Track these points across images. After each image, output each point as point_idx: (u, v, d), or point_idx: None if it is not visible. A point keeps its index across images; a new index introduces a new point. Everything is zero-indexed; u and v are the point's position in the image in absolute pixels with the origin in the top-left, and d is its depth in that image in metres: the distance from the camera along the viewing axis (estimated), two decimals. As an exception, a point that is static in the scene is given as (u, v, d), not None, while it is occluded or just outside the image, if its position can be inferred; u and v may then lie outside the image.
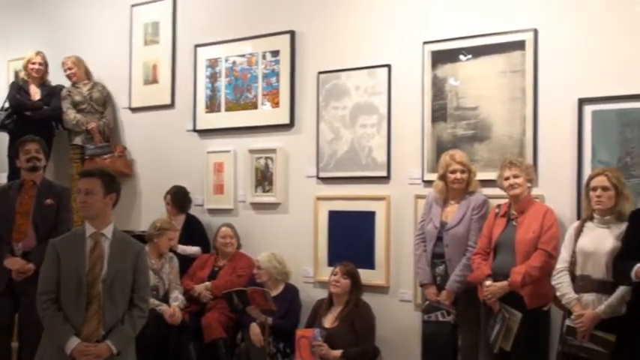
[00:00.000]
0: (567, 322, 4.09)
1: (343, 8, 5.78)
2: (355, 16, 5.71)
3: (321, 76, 5.83)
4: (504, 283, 4.39)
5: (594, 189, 4.12)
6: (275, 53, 6.08)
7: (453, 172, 4.79)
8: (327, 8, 5.85)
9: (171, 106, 6.74)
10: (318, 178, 5.84)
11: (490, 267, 4.51)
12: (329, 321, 5.12)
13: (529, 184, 4.58)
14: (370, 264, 5.49)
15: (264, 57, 6.15)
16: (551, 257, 4.32)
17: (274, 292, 5.41)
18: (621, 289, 3.93)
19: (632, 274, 3.68)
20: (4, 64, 7.96)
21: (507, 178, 4.53)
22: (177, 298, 5.60)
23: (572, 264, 4.17)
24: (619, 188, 4.09)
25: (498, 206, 4.68)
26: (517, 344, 4.32)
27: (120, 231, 4.03)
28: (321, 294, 5.49)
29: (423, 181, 5.31)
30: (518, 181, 4.50)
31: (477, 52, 5.13)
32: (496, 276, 4.46)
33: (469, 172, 4.83)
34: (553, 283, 4.20)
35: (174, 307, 5.49)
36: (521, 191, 4.52)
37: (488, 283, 4.47)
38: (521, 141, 4.94)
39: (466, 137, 5.15)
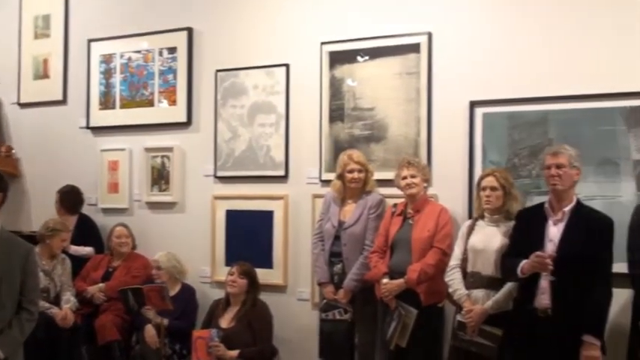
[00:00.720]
0: (458, 317, 4.20)
1: (242, 6, 5.74)
2: (254, 14, 5.69)
3: (220, 74, 5.78)
4: (401, 280, 4.46)
5: (484, 189, 4.26)
6: (172, 50, 5.98)
7: (351, 171, 4.85)
8: (226, 6, 5.80)
9: (63, 102, 6.52)
10: (216, 177, 5.79)
11: (387, 265, 4.58)
12: (226, 321, 5.07)
13: (425, 184, 4.69)
14: (268, 263, 5.48)
15: (160, 54, 6.04)
16: (446, 255, 4.42)
17: (171, 293, 5.31)
18: (508, 286, 4.06)
19: (518, 271, 3.81)
20: None
21: (405, 178, 4.61)
22: (68, 300, 5.41)
23: (464, 261, 4.28)
24: (507, 188, 4.23)
25: (395, 205, 4.76)
26: (413, 340, 4.39)
27: (7, 231, 3.87)
28: (218, 294, 5.44)
29: (321, 180, 5.35)
30: (415, 180, 4.59)
31: (374, 53, 5.21)
32: (393, 274, 4.53)
33: (366, 171, 4.89)
34: (446, 279, 4.30)
35: (65, 310, 5.29)
36: (418, 191, 4.61)
37: (385, 281, 4.53)
38: (416, 141, 5.05)
39: (363, 137, 5.22)
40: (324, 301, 4.88)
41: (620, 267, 3.98)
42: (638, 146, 4.44)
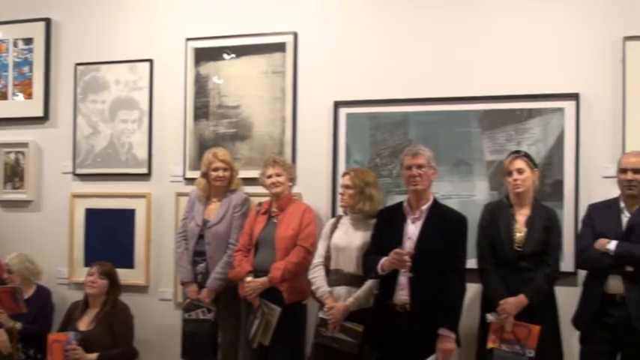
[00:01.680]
0: (320, 314, 4.24)
1: (104, -2, 5.58)
2: (117, 7, 5.52)
3: (79, 67, 5.57)
4: (264, 279, 4.46)
5: (341, 187, 4.37)
6: (28, 41, 5.70)
7: (216, 169, 4.80)
8: (87, -3, 5.61)
9: None
10: (75, 174, 5.57)
11: (251, 264, 4.57)
12: (84, 324, 4.88)
13: (290, 183, 4.71)
14: (129, 263, 5.34)
15: (15, 44, 5.74)
16: (309, 253, 4.46)
17: (25, 295, 5.05)
18: (369, 283, 4.15)
19: (378, 268, 3.90)
20: None
21: (270, 176, 4.62)
22: None
23: (328, 259, 4.34)
24: (361, 187, 4.30)
25: (260, 204, 4.75)
26: (276, 338, 4.40)
27: None
28: (77, 296, 5.23)
29: (185, 178, 5.27)
30: (281, 179, 4.61)
31: (240, 51, 5.19)
32: (257, 272, 4.52)
33: (231, 170, 4.86)
34: (309, 277, 4.34)
35: None
36: (283, 189, 4.63)
37: (248, 279, 4.51)
38: (281, 140, 5.07)
39: (228, 135, 5.19)
40: (187, 300, 4.80)
41: (470, 262, 4.15)
42: (491, 148, 4.66)
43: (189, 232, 4.87)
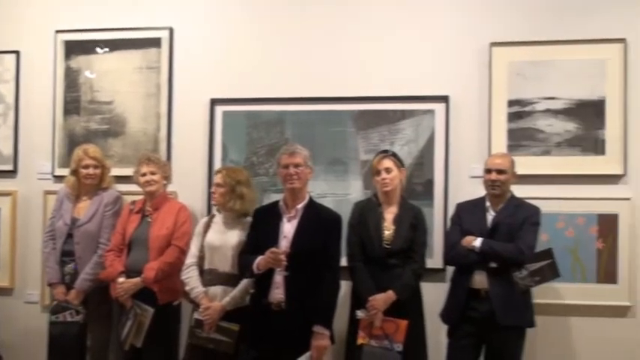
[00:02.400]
0: (195, 314, 4.19)
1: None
2: (-20, -5, 5.27)
3: (-61, 57, 5.26)
4: (137, 279, 4.37)
5: (214, 185, 4.34)
6: None
7: (86, 167, 4.66)
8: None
9: None
10: None
11: (123, 264, 4.46)
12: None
13: (165, 182, 4.64)
14: (-7, 264, 5.11)
15: None
16: (184, 253, 4.39)
17: None
18: (244, 282, 4.14)
19: (254, 267, 3.90)
20: None
21: (144, 174, 4.53)
22: None
23: (202, 258, 4.30)
24: (232, 186, 4.29)
25: (133, 203, 4.65)
26: (148, 340, 4.33)
27: None
28: None
29: (54, 176, 5.09)
30: (155, 177, 4.53)
31: (114, 45, 5.06)
32: (130, 272, 4.42)
33: (102, 167, 4.73)
34: (182, 277, 4.27)
35: None
36: (157, 188, 4.55)
37: (121, 280, 4.41)
38: (156, 137, 4.98)
39: (100, 132, 5.05)
40: (55, 302, 4.63)
41: (344, 260, 4.22)
42: (365, 148, 4.76)
43: (57, 232, 4.69)
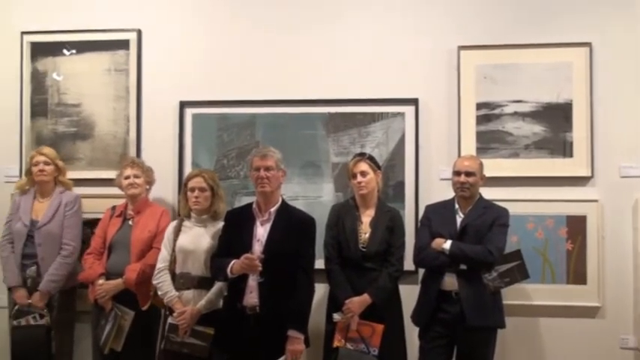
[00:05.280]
0: (170, 319, 4.15)
1: None
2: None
3: None
4: (119, 281, 4.35)
5: (192, 189, 4.26)
6: None
7: (36, 164, 4.65)
8: None
9: None
10: None
11: (104, 266, 4.44)
12: None
13: (148, 186, 4.63)
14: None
15: None
16: (166, 255, 4.39)
17: None
18: (218, 285, 4.13)
19: (228, 271, 3.89)
20: None
21: (128, 177, 4.51)
22: None
23: (173, 262, 4.27)
24: (214, 189, 4.30)
25: (113, 207, 4.64)
26: (128, 343, 4.31)
27: None
28: None
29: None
30: (138, 181, 4.52)
31: (82, 47, 5.03)
32: (110, 275, 4.40)
33: (55, 165, 4.69)
34: (154, 282, 4.23)
35: None
36: (140, 191, 4.54)
37: (101, 281, 4.38)
38: (125, 140, 4.96)
39: (68, 134, 5.01)
40: (16, 307, 4.55)
41: (318, 263, 4.23)
42: (336, 150, 4.79)
43: (16, 234, 4.63)
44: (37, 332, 4.51)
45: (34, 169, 4.64)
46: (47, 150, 4.70)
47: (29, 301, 4.53)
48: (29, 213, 4.64)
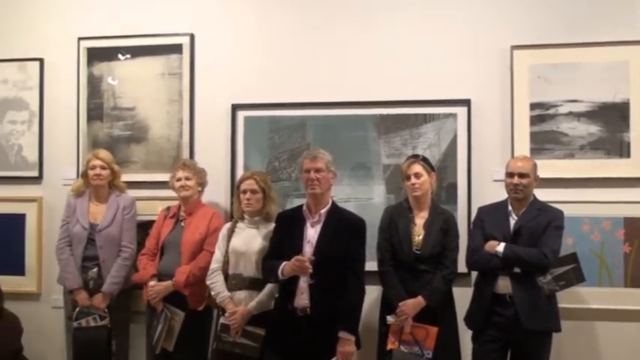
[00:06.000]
0: (221, 319, 4.21)
1: (-10, -5, 5.34)
2: (5, 4, 5.32)
3: (-36, 66, 5.33)
4: (168, 282, 4.41)
5: (244, 192, 4.31)
6: None
7: (93, 167, 4.71)
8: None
9: None
10: (-41, 178, 5.32)
11: (156, 267, 4.51)
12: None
13: (200, 188, 4.67)
14: (19, 270, 5.17)
15: None
16: (216, 258, 4.43)
17: None
18: (269, 286, 4.16)
19: (279, 273, 3.91)
20: None
21: (179, 180, 4.57)
22: None
23: (226, 263, 4.31)
24: (266, 191, 4.33)
25: (167, 208, 4.71)
26: (179, 343, 4.36)
27: None
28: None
29: (79, 182, 5.13)
30: (190, 183, 4.57)
31: (136, 52, 5.10)
32: (162, 276, 4.47)
33: (111, 170, 4.76)
34: (208, 282, 4.29)
35: None
36: (192, 193, 4.59)
37: (152, 283, 4.45)
38: (179, 143, 5.01)
39: (123, 138, 5.09)
40: (77, 308, 4.63)
41: (371, 265, 4.22)
42: (387, 152, 4.77)
43: (76, 237, 4.71)
44: (98, 333, 4.59)
45: (91, 172, 4.71)
46: (104, 154, 4.77)
47: (91, 302, 4.61)
48: (87, 216, 4.72)
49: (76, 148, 5.15)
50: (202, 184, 4.69)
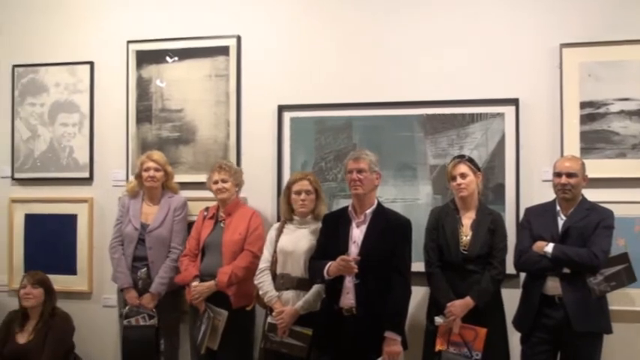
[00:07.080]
0: (269, 319, 4.23)
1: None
2: (56, 8, 5.43)
3: (17, 69, 5.45)
4: (211, 283, 4.45)
5: (298, 192, 4.31)
6: (-37, 42, 5.55)
7: (147, 169, 4.78)
8: (24, -2, 5.48)
9: None
10: (14, 179, 5.46)
11: (198, 268, 4.55)
12: (24, 337, 4.75)
13: (237, 189, 4.70)
14: (71, 269, 5.27)
15: (-51, 46, 5.58)
16: (257, 258, 4.44)
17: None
18: (316, 287, 4.17)
19: (325, 273, 3.93)
20: None
21: (216, 182, 4.60)
22: None
23: (274, 263, 4.33)
24: (319, 191, 4.35)
25: (207, 209, 4.74)
26: (223, 343, 4.40)
27: None
28: (17, 303, 5.07)
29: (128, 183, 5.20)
30: (227, 185, 4.60)
31: (183, 54, 5.15)
32: (203, 276, 4.50)
33: (165, 171, 4.83)
34: (255, 282, 4.32)
35: None
36: (229, 195, 4.61)
37: (195, 283, 4.49)
38: (226, 144, 5.06)
39: (171, 139, 5.15)
40: (127, 307, 4.72)
41: (418, 266, 4.22)
42: (434, 152, 4.74)
43: (127, 237, 4.79)
44: (146, 332, 4.67)
45: (145, 174, 4.77)
46: (157, 156, 4.83)
47: (140, 301, 4.69)
48: (139, 216, 4.80)
49: (126, 149, 5.23)
50: (239, 184, 4.72)
